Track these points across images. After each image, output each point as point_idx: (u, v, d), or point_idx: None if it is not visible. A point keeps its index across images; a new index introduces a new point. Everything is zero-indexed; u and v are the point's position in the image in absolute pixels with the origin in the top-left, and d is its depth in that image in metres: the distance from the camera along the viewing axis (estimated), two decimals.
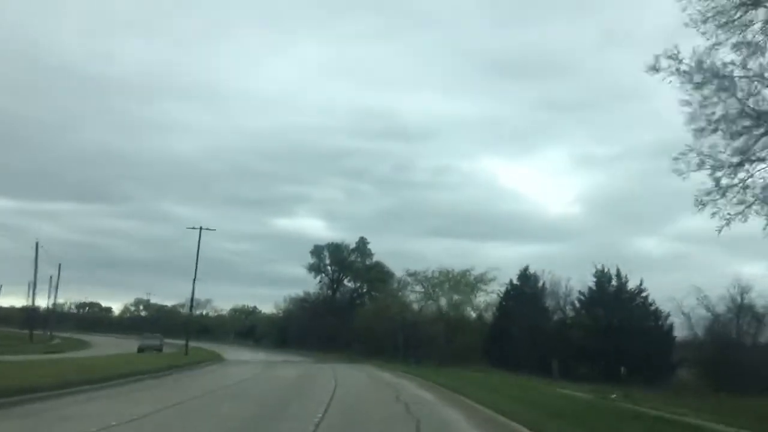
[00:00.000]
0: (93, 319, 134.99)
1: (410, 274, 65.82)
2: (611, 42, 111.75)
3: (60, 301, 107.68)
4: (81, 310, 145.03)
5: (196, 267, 51.98)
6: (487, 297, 59.37)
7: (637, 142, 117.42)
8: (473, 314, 62.24)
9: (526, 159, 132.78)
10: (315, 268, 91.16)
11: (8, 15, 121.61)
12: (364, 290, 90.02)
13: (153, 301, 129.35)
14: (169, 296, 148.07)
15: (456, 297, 61.33)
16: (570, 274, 56.04)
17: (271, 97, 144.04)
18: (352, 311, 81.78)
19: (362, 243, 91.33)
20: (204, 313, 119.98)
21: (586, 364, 50.90)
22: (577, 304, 55.35)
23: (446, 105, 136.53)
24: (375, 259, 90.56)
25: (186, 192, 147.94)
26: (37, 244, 66.32)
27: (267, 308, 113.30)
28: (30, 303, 74.07)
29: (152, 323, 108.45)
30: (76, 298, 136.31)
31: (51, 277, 76.39)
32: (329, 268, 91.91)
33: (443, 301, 61.77)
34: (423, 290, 63.39)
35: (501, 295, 57.80)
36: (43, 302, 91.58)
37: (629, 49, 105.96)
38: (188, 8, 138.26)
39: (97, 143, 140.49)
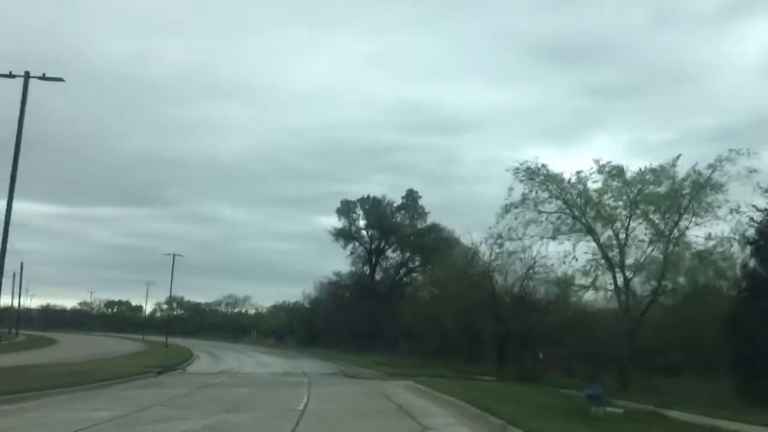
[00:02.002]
0: (121, 318, 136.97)
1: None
2: (661, 22, 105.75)
3: (87, 300, 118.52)
4: (110, 309, 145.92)
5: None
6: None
7: (694, 127, 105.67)
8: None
9: (574, 147, 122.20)
10: (345, 235, 65.18)
11: (43, 20, 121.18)
12: (416, 264, 63.60)
13: (186, 298, 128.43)
14: (207, 295, 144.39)
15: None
16: None
17: (311, 94, 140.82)
18: (399, 293, 55.69)
19: (411, 198, 64.90)
20: (243, 311, 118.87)
21: None
22: None
23: (490, 94, 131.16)
24: (430, 219, 64.13)
25: (229, 193, 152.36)
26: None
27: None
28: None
29: (184, 322, 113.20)
30: (105, 296, 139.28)
31: (14, 274, 71.89)
32: (365, 233, 65.73)
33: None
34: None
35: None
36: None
37: (680, 29, 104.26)
38: (223, 6, 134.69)
39: (142, 148, 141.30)
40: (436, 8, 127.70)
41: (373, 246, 66.31)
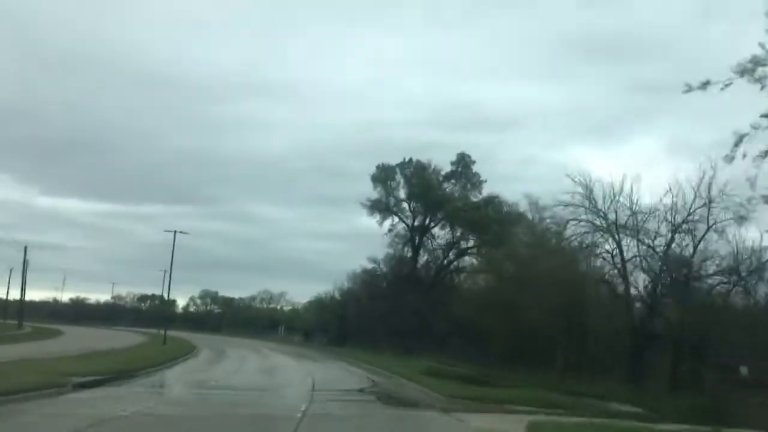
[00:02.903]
0: (154, 311, 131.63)
1: None
2: (708, 17, 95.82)
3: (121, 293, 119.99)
4: (143, 303, 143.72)
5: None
6: None
7: (743, 125, 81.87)
8: None
9: (616, 147, 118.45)
10: (381, 208, 52.43)
11: (85, 20, 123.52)
12: (470, 244, 50.44)
13: (221, 293, 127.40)
14: (244, 292, 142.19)
15: None
16: None
17: (350, 91, 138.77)
18: (449, 281, 42.61)
19: (463, 164, 51.77)
20: (279, 307, 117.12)
21: None
22: None
23: (530, 92, 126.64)
24: (487, 190, 50.90)
25: (269, 191, 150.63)
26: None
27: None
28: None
29: (217, 317, 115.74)
30: (137, 290, 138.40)
31: (11, 270, 77.88)
32: (407, 206, 52.82)
33: None
34: None
35: None
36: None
37: (728, 23, 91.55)
38: (265, 5, 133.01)
39: (184, 146, 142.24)
40: (477, 5, 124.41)
41: (416, 222, 53.30)
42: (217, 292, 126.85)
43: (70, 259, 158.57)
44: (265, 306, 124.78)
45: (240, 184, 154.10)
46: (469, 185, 51.67)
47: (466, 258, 51.07)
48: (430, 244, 53.48)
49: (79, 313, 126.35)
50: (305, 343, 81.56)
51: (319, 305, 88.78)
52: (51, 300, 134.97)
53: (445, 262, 52.09)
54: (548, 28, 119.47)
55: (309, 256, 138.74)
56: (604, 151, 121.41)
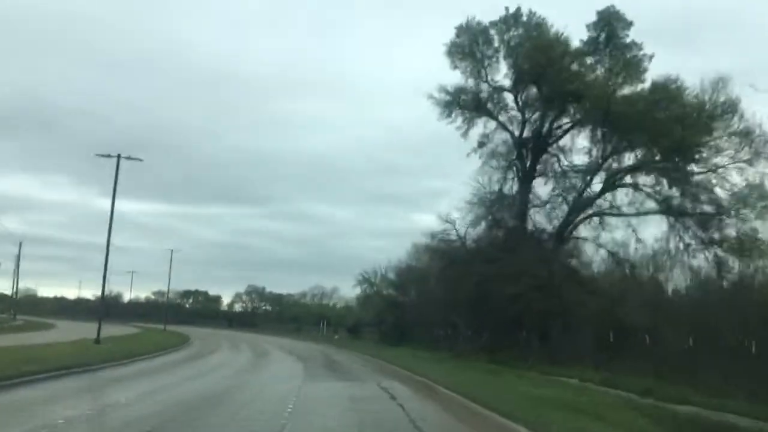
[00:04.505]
0: (198, 308, 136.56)
1: None
2: None
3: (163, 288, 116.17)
4: (186, 300, 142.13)
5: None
6: None
7: None
8: None
9: None
10: (466, 102, 30.40)
11: (141, 20, 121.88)
12: (628, 162, 27.83)
13: (268, 290, 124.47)
14: (293, 289, 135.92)
15: None
16: None
17: (405, 86, 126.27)
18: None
19: (609, 28, 28.79)
20: (331, 303, 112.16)
21: None
22: None
23: None
24: (652, 73, 28.04)
25: (323, 188, 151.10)
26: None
27: None
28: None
29: (263, 315, 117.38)
30: (183, 287, 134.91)
31: (15, 269, 78.73)
32: (513, 98, 30.44)
33: None
34: None
35: None
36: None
37: None
38: (317, 0, 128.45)
39: (237, 145, 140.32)
40: None
41: (526, 130, 30.65)
42: (264, 288, 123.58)
43: (124, 259, 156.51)
44: (316, 302, 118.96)
45: (293, 181, 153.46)
46: (620, 64, 28.67)
47: (623, 191, 28.32)
48: (554, 167, 30.72)
49: (111, 310, 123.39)
50: (347, 341, 60.67)
51: (366, 296, 67.31)
52: (93, 297, 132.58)
53: (583, 195, 29.37)
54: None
55: (364, 254, 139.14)
56: None
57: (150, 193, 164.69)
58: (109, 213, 31.66)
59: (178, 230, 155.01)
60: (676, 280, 27.16)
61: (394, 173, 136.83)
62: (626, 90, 29.12)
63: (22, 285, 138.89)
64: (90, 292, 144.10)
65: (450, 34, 30.43)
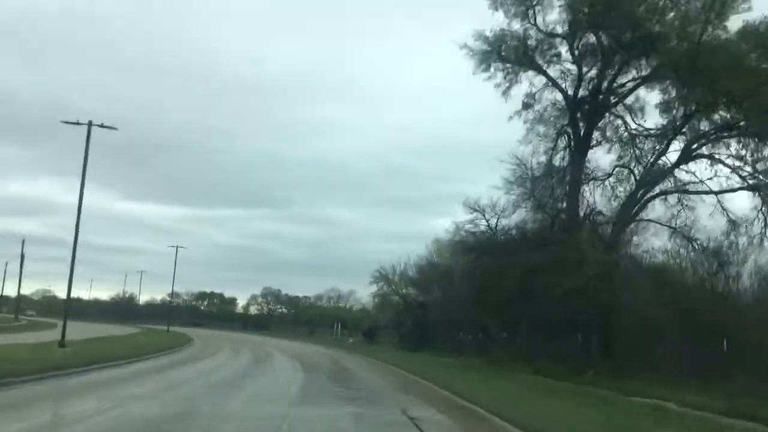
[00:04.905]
0: (212, 311, 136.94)
1: None
2: None
3: (178, 290, 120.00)
4: (201, 302, 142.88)
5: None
6: None
7: None
8: None
9: None
10: (506, 53, 24.59)
11: (162, 25, 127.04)
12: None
13: (284, 292, 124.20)
14: (310, 291, 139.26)
15: None
16: None
17: (419, 90, 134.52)
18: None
19: None
20: (348, 306, 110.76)
21: None
22: None
23: None
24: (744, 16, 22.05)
25: (339, 192, 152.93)
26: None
27: None
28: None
29: (279, 317, 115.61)
30: (199, 289, 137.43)
31: (6, 264, 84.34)
32: (568, 46, 24.81)
33: None
34: None
35: None
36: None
37: None
38: (334, 7, 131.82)
39: (255, 149, 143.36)
40: None
41: (581, 88, 24.93)
42: (279, 290, 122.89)
43: (138, 261, 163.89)
44: (332, 305, 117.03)
45: (311, 185, 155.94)
46: (698, 4, 22.93)
47: (706, 161, 22.44)
48: (619, 131, 24.87)
49: (127, 311, 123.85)
50: (359, 345, 55.34)
51: (383, 295, 61.49)
52: (108, 298, 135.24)
53: (655, 167, 23.58)
54: None
55: (381, 257, 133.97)
56: None
57: (167, 196, 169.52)
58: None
59: (195, 233, 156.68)
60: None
61: (408, 177, 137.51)
62: (712, 31, 23.27)
63: (39, 286, 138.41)
64: (106, 293, 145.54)
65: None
